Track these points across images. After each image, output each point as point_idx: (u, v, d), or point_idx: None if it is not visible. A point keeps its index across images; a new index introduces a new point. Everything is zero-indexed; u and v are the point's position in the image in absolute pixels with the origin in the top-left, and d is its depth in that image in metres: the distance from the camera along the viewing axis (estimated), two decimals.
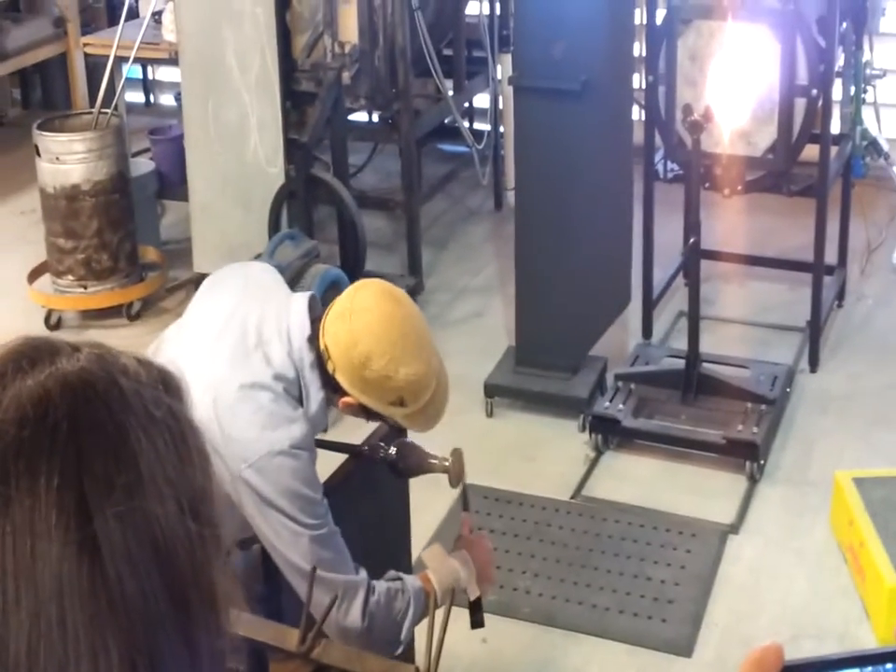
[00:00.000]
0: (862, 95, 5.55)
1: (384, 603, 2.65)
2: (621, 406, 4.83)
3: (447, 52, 6.51)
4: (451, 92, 6.36)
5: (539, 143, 4.87)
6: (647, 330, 5.49)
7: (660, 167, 5.30)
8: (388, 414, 2.71)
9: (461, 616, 3.09)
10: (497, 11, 6.64)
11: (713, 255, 5.60)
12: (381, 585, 2.68)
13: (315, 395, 2.66)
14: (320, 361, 2.65)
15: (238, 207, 5.63)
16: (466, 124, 6.77)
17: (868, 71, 5.56)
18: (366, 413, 2.73)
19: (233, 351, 2.64)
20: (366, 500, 2.97)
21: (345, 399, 2.68)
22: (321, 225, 5.97)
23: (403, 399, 2.66)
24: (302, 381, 2.65)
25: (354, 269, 5.41)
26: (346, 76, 5.50)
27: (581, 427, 4.91)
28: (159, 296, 6.05)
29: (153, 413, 1.02)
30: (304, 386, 2.65)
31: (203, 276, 5.86)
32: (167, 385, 1.07)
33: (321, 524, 2.60)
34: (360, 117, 6.32)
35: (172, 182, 6.45)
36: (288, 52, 5.58)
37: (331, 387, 2.67)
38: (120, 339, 5.70)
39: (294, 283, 5.01)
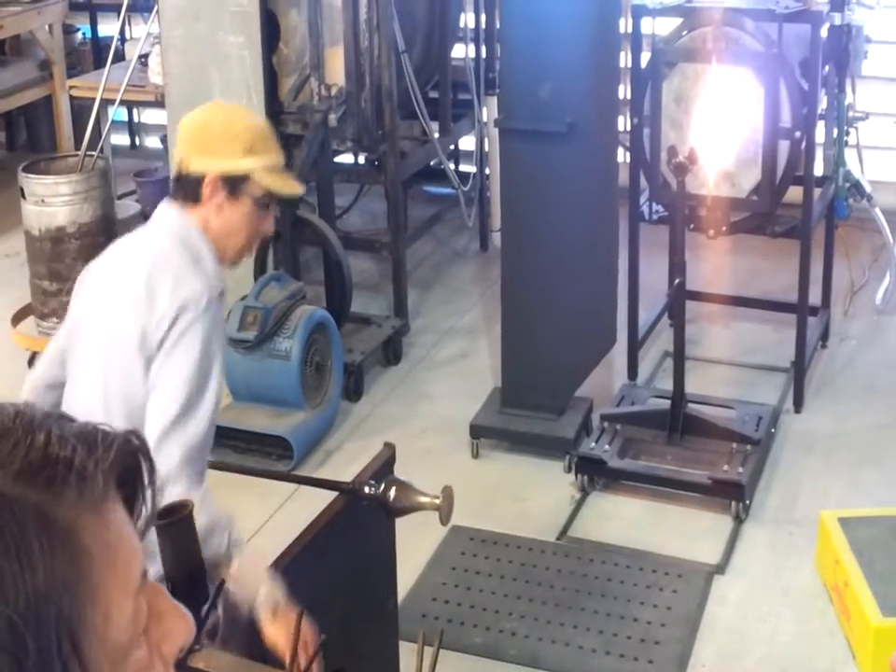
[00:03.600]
0: (845, 137, 5.59)
1: (202, 500, 2.64)
2: (606, 447, 4.83)
3: (433, 95, 6.55)
4: (437, 134, 6.39)
5: (524, 184, 4.90)
6: (632, 371, 5.50)
7: (645, 208, 5.34)
8: (247, 170, 2.87)
9: (448, 658, 3.09)
10: (483, 54, 6.69)
11: (698, 296, 5.63)
12: (213, 506, 2.71)
13: (204, 248, 2.87)
14: (189, 198, 2.88)
15: None
16: (452, 166, 6.80)
17: (851, 113, 5.62)
18: (229, 185, 2.87)
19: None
20: (352, 541, 2.96)
21: (206, 182, 2.86)
22: (307, 266, 5.98)
23: (252, 145, 2.89)
24: (190, 249, 2.85)
25: (340, 310, 5.43)
26: (333, 118, 5.52)
27: (566, 468, 4.90)
28: None
29: None
30: (194, 252, 2.85)
31: None
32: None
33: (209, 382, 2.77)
34: (346, 158, 6.35)
35: None
36: (275, 95, 5.61)
37: (196, 199, 2.87)
38: None
39: (280, 324, 5.02)
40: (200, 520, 2.56)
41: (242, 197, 2.90)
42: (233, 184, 2.88)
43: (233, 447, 5.03)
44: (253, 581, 2.63)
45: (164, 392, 2.75)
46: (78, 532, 0.94)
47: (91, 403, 2.83)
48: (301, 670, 2.47)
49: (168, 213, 2.93)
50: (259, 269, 5.41)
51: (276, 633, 2.57)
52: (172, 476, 2.65)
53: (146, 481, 1.04)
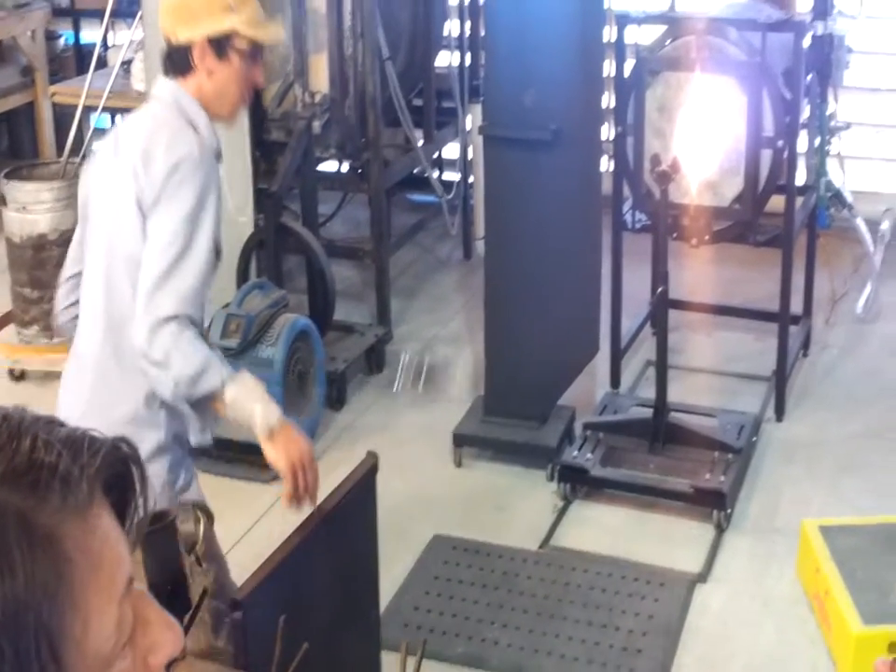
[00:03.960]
0: (827, 147, 5.61)
1: (194, 340, 2.83)
2: (589, 455, 4.84)
3: (417, 102, 6.55)
4: (421, 142, 6.39)
5: (508, 192, 4.90)
6: (615, 380, 5.51)
7: (628, 217, 5.34)
8: (228, 28, 2.99)
9: (430, 668, 3.09)
10: (468, 62, 6.69)
11: (681, 304, 5.64)
12: (206, 348, 2.88)
13: (199, 116, 3.00)
14: (181, 69, 3.01)
15: None
16: (435, 174, 6.80)
17: (833, 123, 5.64)
18: (216, 47, 3.00)
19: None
20: (335, 552, 2.96)
21: (195, 49, 2.98)
22: (290, 274, 5.98)
23: (230, 2, 3.02)
24: (184, 114, 2.98)
25: (323, 318, 5.42)
26: (316, 125, 5.52)
27: (549, 477, 4.90)
28: None
29: None
30: (189, 115, 2.98)
31: None
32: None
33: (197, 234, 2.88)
34: (330, 166, 6.34)
35: None
36: (259, 101, 5.60)
37: (188, 68, 3.00)
38: None
39: (263, 332, 5.01)
40: (195, 361, 2.80)
41: (230, 55, 3.02)
42: (220, 45, 3.00)
43: (218, 456, 5.01)
44: (248, 406, 2.85)
45: (155, 243, 2.88)
46: (61, 538, 0.94)
47: (97, 274, 2.99)
48: (302, 486, 2.83)
49: (162, 86, 3.07)
50: (242, 277, 5.40)
51: (275, 453, 2.85)
52: (162, 323, 2.80)
53: (137, 488, 1.03)
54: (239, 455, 5.01)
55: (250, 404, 2.85)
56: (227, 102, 3.08)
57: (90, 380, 3.00)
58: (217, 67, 3.02)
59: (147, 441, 2.91)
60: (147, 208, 2.89)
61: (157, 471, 2.91)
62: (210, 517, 3.06)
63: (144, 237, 2.90)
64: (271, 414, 2.85)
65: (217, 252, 2.95)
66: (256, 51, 3.08)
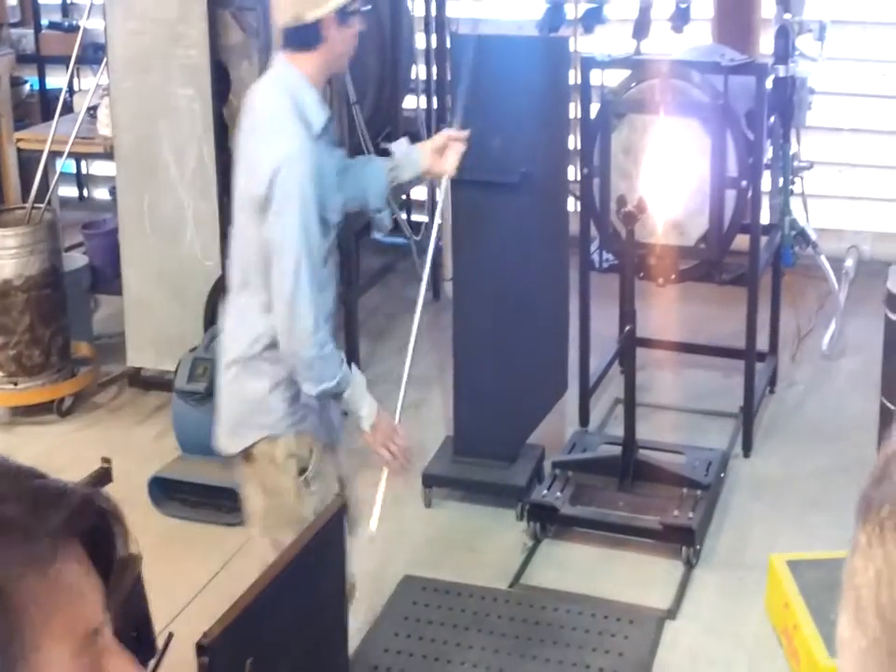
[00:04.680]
0: (791, 186, 5.67)
1: (333, 352, 3.28)
2: (558, 494, 4.84)
3: (385, 145, 6.57)
4: None
5: (476, 234, 4.93)
6: (584, 418, 5.52)
7: (595, 257, 5.38)
8: None
9: None
10: (435, 105, 6.73)
11: (648, 343, 5.66)
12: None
13: (307, 95, 3.26)
14: (307, 45, 3.25)
15: (173, 300, 5.62)
16: (403, 216, 6.82)
17: (796, 163, 5.70)
18: (341, 16, 3.25)
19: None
20: (303, 594, 2.95)
21: (325, 24, 3.23)
22: None
23: None
24: (292, 96, 3.23)
25: None
26: None
27: (519, 516, 4.90)
28: (91, 391, 5.98)
29: None
30: (297, 98, 3.24)
31: (136, 371, 5.89)
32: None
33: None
34: None
35: (105, 276, 6.42)
36: (226, 146, 5.61)
37: (316, 43, 3.25)
38: (51, 435, 5.64)
39: None
40: (332, 373, 3.29)
41: (350, 20, 3.30)
42: (343, 14, 3.27)
43: (183, 500, 4.99)
44: (356, 405, 3.39)
45: (278, 261, 3.18)
46: (16, 591, 0.92)
47: (233, 231, 3.41)
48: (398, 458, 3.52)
49: (279, 63, 3.33)
50: (209, 320, 5.39)
51: (372, 443, 3.49)
52: (310, 338, 3.20)
53: (115, 541, 1.02)
54: (203, 499, 4.99)
55: (358, 404, 3.39)
56: (346, 59, 3.41)
57: (234, 317, 3.43)
58: (341, 33, 3.28)
59: (268, 375, 3.33)
60: (257, 201, 3.18)
61: (275, 403, 3.35)
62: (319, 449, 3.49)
63: (252, 220, 3.22)
64: (372, 414, 3.40)
65: (325, 223, 3.23)
66: (364, 5, 3.38)
